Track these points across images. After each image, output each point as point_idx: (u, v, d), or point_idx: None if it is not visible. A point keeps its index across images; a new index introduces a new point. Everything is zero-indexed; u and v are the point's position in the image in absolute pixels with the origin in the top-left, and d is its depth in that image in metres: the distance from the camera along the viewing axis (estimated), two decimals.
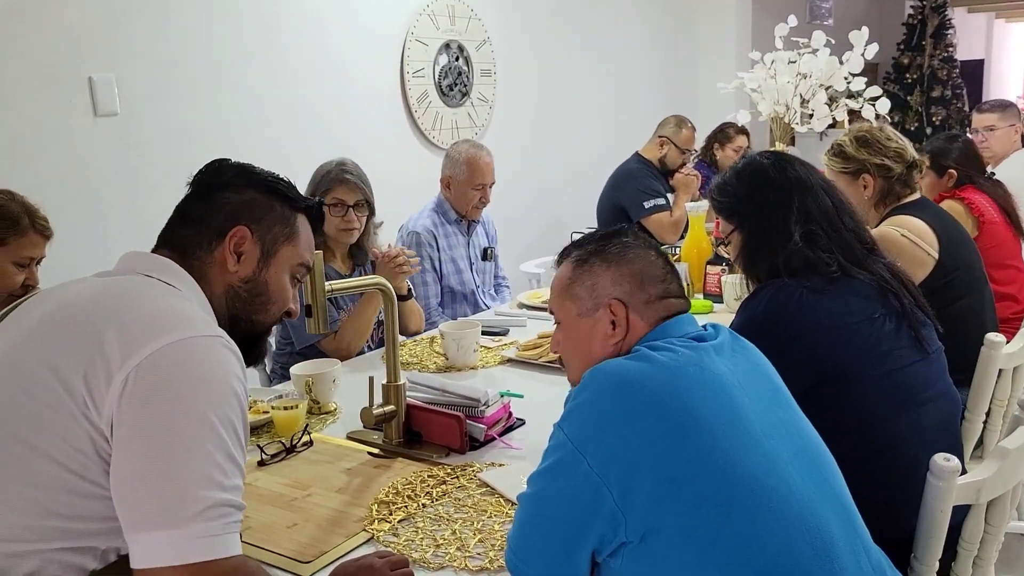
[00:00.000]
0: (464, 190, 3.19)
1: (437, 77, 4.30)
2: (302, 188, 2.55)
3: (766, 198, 1.77)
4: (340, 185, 2.59)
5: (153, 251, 1.34)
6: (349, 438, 1.95)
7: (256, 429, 1.99)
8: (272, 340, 2.83)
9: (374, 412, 1.83)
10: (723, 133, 4.94)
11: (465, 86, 4.47)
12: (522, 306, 3.08)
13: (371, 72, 3.98)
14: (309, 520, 1.56)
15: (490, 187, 3.23)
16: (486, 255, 3.37)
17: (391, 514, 1.57)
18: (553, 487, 1.22)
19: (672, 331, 1.34)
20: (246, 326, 1.37)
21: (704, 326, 1.39)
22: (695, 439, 1.17)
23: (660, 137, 4.36)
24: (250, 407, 2.05)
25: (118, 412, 1.10)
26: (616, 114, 5.55)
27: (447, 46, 4.34)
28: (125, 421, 1.09)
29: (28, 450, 1.11)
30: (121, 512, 1.10)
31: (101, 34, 2.93)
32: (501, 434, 1.92)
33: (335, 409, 2.12)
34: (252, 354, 1.40)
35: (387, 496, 1.64)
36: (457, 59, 4.41)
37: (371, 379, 1.87)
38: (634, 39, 5.73)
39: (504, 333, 2.75)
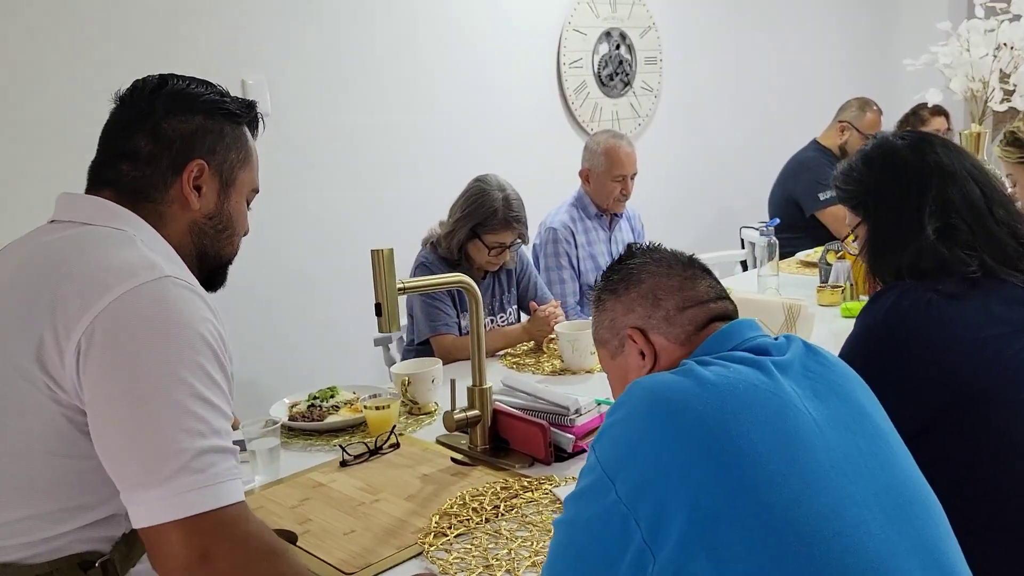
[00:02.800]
0: (603, 182, 3.04)
1: (596, 67, 4.16)
2: (450, 194, 2.56)
3: (897, 184, 1.51)
4: (506, 230, 2.49)
5: (91, 192, 1.24)
6: (438, 442, 1.88)
7: (351, 428, 1.97)
8: (404, 333, 2.83)
9: (455, 416, 1.75)
10: (916, 116, 4.43)
11: (627, 75, 4.30)
12: None
13: (525, 64, 3.90)
14: (369, 528, 1.50)
15: (632, 178, 3.06)
16: None
17: (451, 527, 1.47)
18: (582, 516, 1.07)
19: (724, 342, 1.15)
20: (215, 261, 1.31)
21: (777, 337, 1.18)
22: (740, 469, 0.98)
23: (841, 122, 4.00)
24: (348, 405, 2.03)
25: (80, 380, 1.06)
26: (795, 98, 5.15)
27: (607, 34, 4.19)
28: (89, 386, 1.06)
29: (21, 459, 1.10)
30: (113, 477, 1.07)
31: (252, 36, 3.05)
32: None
33: (435, 411, 2.06)
34: (218, 282, 1.35)
35: (452, 507, 1.54)
36: (618, 47, 4.24)
37: (452, 382, 1.78)
38: (815, 14, 5.29)
39: None
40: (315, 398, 2.08)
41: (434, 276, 1.76)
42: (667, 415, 1.03)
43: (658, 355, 1.20)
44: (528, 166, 3.74)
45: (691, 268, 1.24)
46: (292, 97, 3.16)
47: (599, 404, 1.83)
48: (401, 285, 1.62)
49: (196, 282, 1.16)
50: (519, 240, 2.54)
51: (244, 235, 1.39)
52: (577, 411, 1.77)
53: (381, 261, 1.59)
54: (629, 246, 1.31)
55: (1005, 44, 3.23)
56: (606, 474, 1.04)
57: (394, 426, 1.87)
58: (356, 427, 1.97)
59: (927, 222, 1.45)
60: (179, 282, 1.12)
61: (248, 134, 1.34)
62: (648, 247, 1.30)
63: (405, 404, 2.05)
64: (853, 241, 1.64)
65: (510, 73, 3.85)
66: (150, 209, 1.23)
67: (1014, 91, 3.16)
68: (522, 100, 3.91)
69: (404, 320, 2.78)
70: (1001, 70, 3.19)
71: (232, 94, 1.34)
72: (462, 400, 1.81)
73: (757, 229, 4.16)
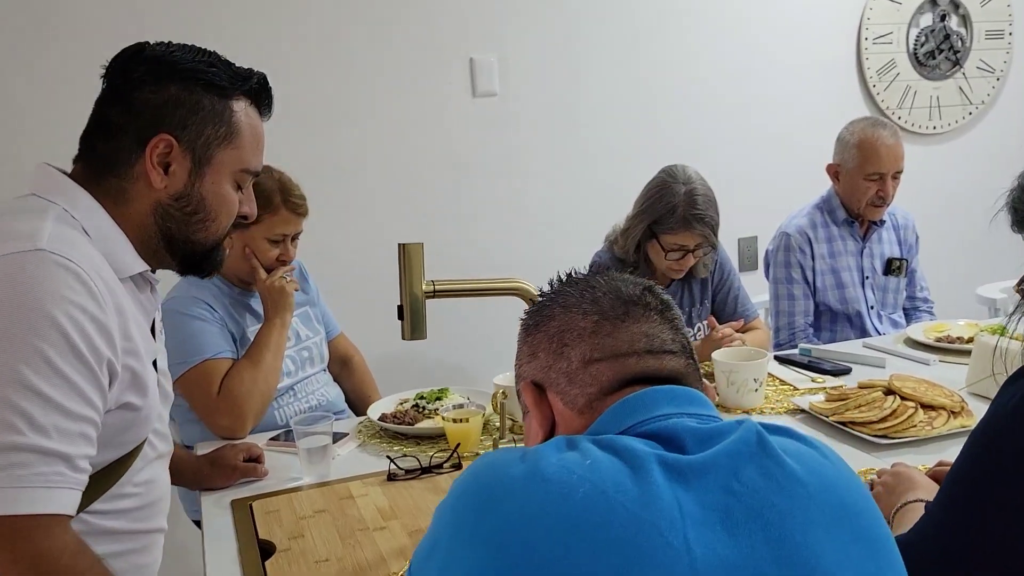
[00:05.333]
0: (854, 181, 2.48)
1: (911, 43, 3.45)
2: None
3: None
4: (685, 230, 2.12)
5: (75, 163, 1.18)
6: None
7: (433, 438, 1.78)
8: None
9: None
10: None
11: (956, 53, 3.51)
12: (910, 342, 2.28)
13: (815, 39, 3.34)
14: (343, 560, 1.31)
15: (893, 178, 2.45)
16: (891, 268, 2.59)
17: None
18: None
19: (622, 417, 0.80)
20: (186, 246, 1.19)
21: (733, 422, 0.79)
22: None
23: None
24: (432, 414, 1.84)
25: None
26: None
27: (933, 3, 3.45)
28: None
29: None
30: None
31: (484, 15, 2.94)
32: None
33: None
34: (204, 267, 1.24)
35: None
36: (944, 18, 3.48)
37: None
38: None
39: (843, 372, 2.05)
40: (422, 398, 1.93)
41: (478, 280, 1.49)
42: (471, 512, 0.73)
43: (556, 423, 0.87)
44: (812, 161, 3.21)
45: (628, 305, 0.87)
46: (524, 78, 3.01)
47: None
48: (431, 288, 1.39)
49: (75, 257, 1.03)
50: (706, 244, 2.14)
51: (243, 218, 1.28)
52: None
53: (406, 258, 1.38)
54: (562, 275, 0.96)
55: None
56: (410, 567, 0.78)
57: (458, 444, 1.65)
58: (439, 438, 1.78)
59: None
60: (52, 257, 1.01)
61: (239, 108, 1.19)
62: (596, 270, 0.94)
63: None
64: None
65: (794, 49, 3.32)
66: (113, 185, 1.14)
67: None
68: (807, 81, 3.36)
69: None
70: None
71: (232, 63, 1.21)
72: None
73: None
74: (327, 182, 2.79)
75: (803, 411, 1.81)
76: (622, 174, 3.12)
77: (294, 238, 2.03)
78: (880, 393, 1.73)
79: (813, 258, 2.53)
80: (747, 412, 1.85)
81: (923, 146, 3.56)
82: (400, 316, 1.40)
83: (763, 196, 3.31)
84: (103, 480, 1.07)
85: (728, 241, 3.36)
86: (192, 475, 1.58)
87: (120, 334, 1.05)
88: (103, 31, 2.51)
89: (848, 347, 2.28)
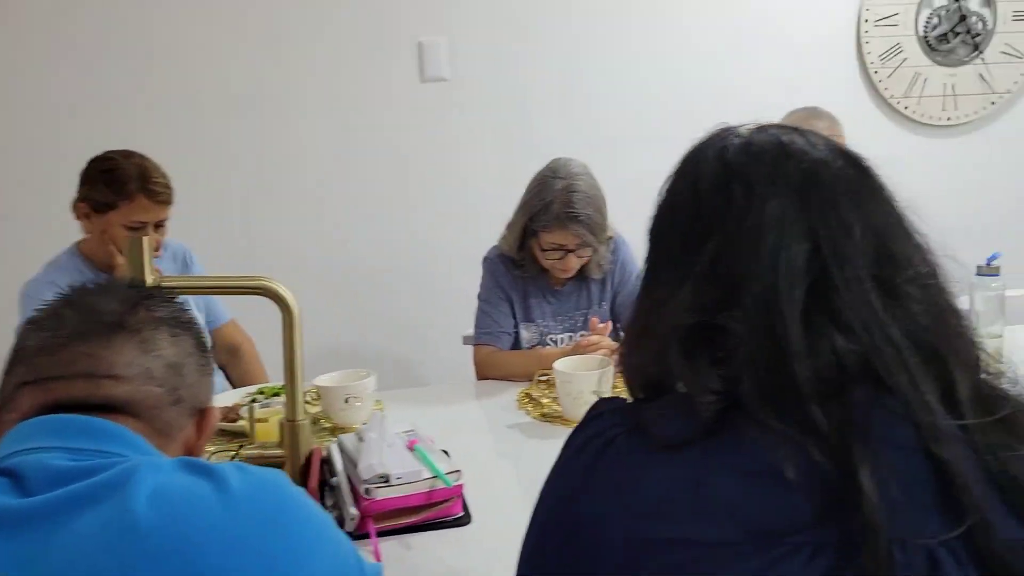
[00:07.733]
0: None
1: (920, 25, 3.13)
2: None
3: (671, 219, 0.81)
4: (560, 229, 1.95)
5: None
6: None
7: (238, 436, 1.72)
8: None
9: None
10: None
11: (975, 36, 3.17)
12: None
13: (808, 19, 3.08)
14: None
15: None
16: None
17: None
18: None
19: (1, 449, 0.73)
20: None
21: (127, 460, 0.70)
22: None
23: None
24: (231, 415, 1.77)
25: None
26: None
27: None
28: None
29: None
30: None
31: None
32: (394, 531, 1.30)
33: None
34: None
35: None
36: None
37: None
38: None
39: None
40: (261, 392, 1.87)
41: (217, 277, 1.41)
42: None
43: None
44: None
45: (91, 324, 0.79)
46: (475, 63, 2.89)
47: (436, 476, 1.33)
48: (154, 283, 1.32)
49: None
50: (585, 245, 1.99)
51: None
52: (373, 479, 1.30)
53: (129, 253, 1.31)
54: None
55: None
56: None
57: (241, 445, 1.58)
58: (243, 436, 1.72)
59: (685, 285, 0.74)
60: None
61: None
62: (84, 285, 0.85)
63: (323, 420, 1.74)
64: None
65: (785, 30, 3.06)
66: None
67: None
68: (800, 66, 3.08)
69: None
70: None
71: None
72: None
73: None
74: (279, 173, 2.79)
75: None
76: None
77: (157, 225, 1.99)
78: None
79: None
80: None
81: (936, 139, 3.24)
82: None
83: None
84: None
85: None
86: None
87: None
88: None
89: None
